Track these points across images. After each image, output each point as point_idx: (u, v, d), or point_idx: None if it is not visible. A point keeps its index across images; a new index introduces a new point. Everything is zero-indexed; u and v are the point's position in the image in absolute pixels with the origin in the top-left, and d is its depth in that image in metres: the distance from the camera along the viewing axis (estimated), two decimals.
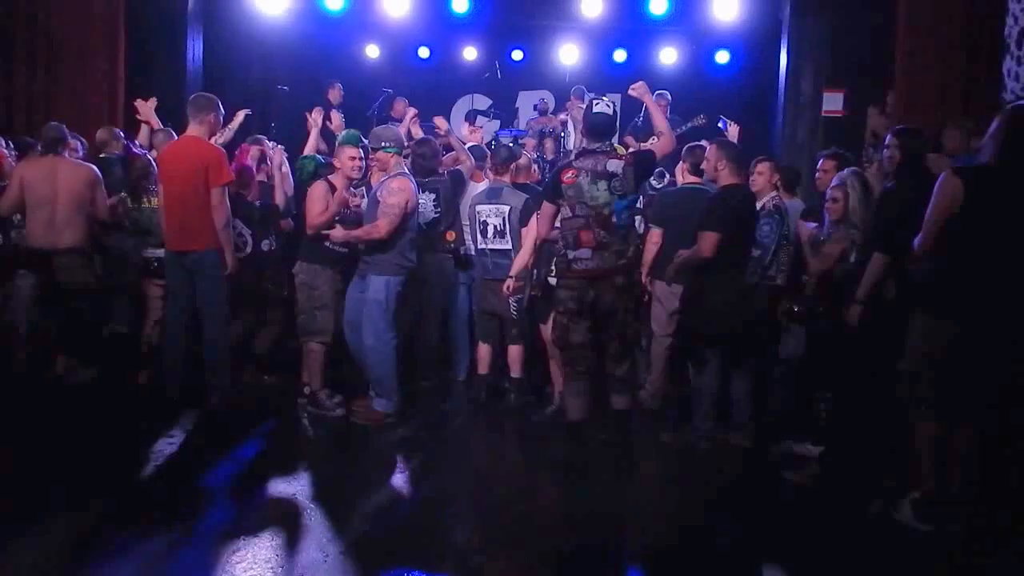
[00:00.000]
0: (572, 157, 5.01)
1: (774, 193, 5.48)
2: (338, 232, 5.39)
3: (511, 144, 6.82)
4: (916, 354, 3.93)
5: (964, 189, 3.70)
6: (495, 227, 5.78)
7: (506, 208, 5.74)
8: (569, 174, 4.66)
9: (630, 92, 5.21)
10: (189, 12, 8.65)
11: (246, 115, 6.73)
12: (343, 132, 5.87)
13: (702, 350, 5.09)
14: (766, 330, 5.45)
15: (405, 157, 5.78)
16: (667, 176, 6.34)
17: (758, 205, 5.32)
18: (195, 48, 8.79)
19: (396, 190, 5.29)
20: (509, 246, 5.73)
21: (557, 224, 4.81)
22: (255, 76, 10.13)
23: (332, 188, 5.48)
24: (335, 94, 9.31)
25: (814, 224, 5.16)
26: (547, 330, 5.43)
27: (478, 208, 5.85)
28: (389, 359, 5.39)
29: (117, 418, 5.36)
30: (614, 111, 4.89)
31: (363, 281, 5.43)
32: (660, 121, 5.07)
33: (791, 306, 5.13)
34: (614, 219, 4.60)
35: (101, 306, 6.15)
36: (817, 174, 5.74)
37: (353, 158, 5.51)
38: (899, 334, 4.09)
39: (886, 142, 4.68)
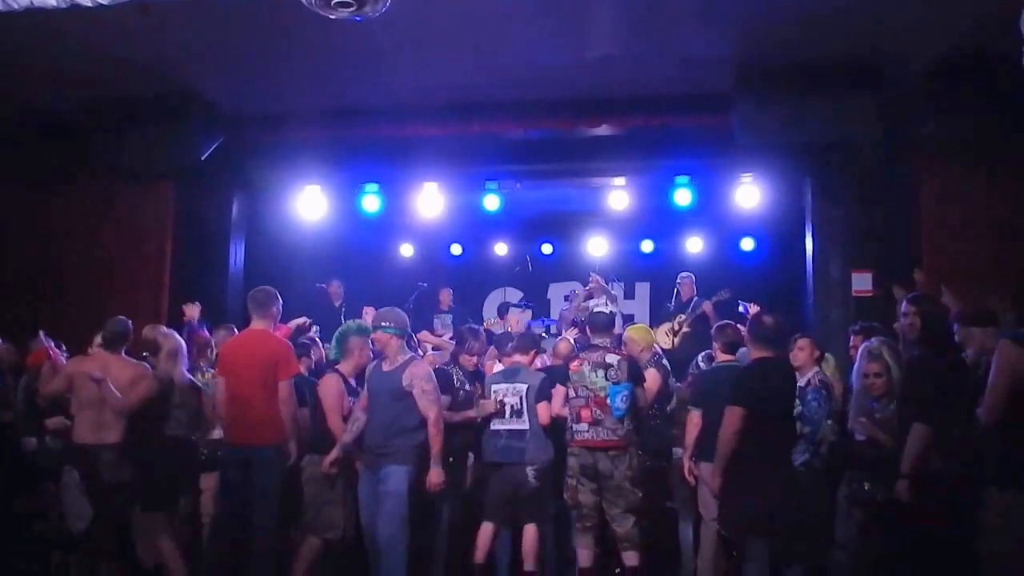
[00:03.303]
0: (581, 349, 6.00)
1: (816, 368, 5.44)
2: (436, 474, 5.27)
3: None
4: (996, 534, 3.70)
5: None
6: (512, 406, 5.76)
7: (523, 387, 5.77)
8: (575, 363, 5.70)
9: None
10: (233, 221, 9.09)
11: (306, 323, 6.79)
12: (347, 323, 5.98)
13: (745, 541, 4.82)
14: (818, 515, 5.22)
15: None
16: (714, 359, 6.34)
17: (802, 381, 5.25)
18: (237, 253, 9.16)
19: (428, 374, 5.30)
20: (526, 426, 5.70)
21: None
22: (294, 277, 10.43)
23: (344, 378, 5.47)
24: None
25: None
26: None
27: (494, 388, 5.86)
28: (404, 559, 5.08)
29: None
30: (612, 311, 6.16)
31: (375, 475, 5.25)
32: None
33: (860, 487, 4.87)
34: (608, 401, 5.48)
35: None
36: (851, 351, 5.75)
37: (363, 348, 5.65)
38: (964, 511, 3.90)
39: (903, 310, 4.65)
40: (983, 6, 5.57)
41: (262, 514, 5.24)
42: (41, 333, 6.09)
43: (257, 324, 5.52)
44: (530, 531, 5.69)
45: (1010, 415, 3.69)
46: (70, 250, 8.46)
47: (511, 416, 5.78)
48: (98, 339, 5.94)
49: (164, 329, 6.61)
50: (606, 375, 5.57)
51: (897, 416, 4.64)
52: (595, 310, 5.97)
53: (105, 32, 6.20)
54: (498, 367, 6.13)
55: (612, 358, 5.64)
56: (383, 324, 5.34)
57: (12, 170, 8.28)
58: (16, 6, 4.83)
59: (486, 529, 5.68)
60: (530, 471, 5.66)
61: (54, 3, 4.82)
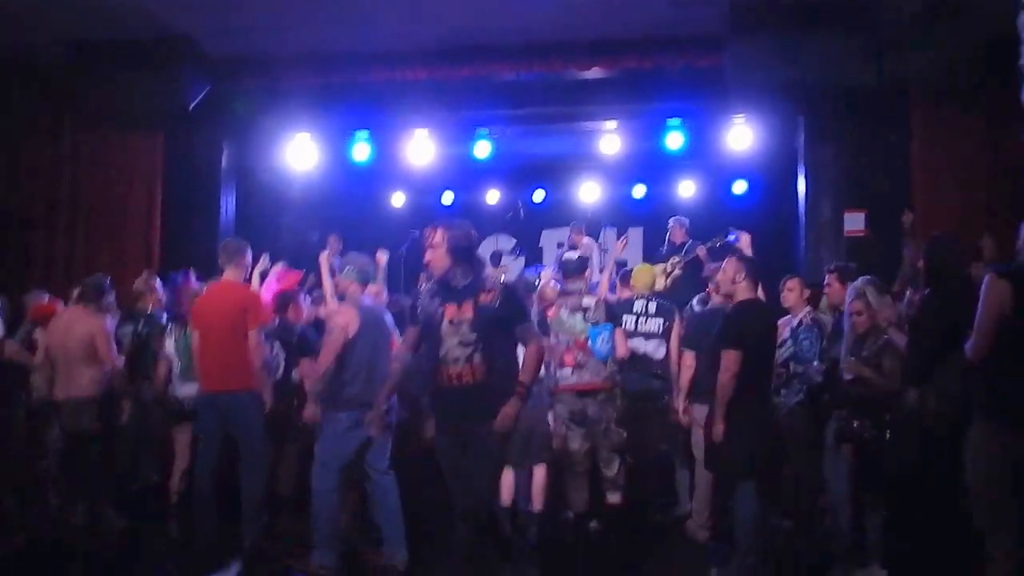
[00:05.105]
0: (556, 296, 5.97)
1: (808, 308, 5.47)
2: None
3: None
4: (982, 469, 3.72)
5: (1013, 290, 3.64)
6: None
7: None
8: (552, 310, 5.71)
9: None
10: (223, 170, 9.03)
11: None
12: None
13: (735, 477, 4.84)
14: (809, 451, 5.29)
15: None
16: (711, 300, 6.35)
17: (795, 321, 5.28)
18: (228, 203, 9.12)
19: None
20: (542, 372, 5.68)
21: None
22: (285, 226, 10.42)
23: None
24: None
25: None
26: None
27: None
28: (327, 506, 4.98)
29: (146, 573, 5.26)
30: (582, 257, 5.98)
31: None
32: None
33: (848, 424, 4.92)
34: (590, 343, 5.52)
35: (128, 455, 6.14)
36: (825, 288, 5.78)
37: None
38: (954, 448, 3.94)
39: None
40: None
41: (248, 460, 5.31)
42: None
43: (229, 275, 5.52)
44: (540, 472, 5.72)
45: (997, 350, 3.70)
46: (59, 198, 8.38)
47: None
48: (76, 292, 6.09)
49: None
50: (584, 317, 5.61)
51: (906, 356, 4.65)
52: (563, 257, 5.96)
53: None
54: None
55: (588, 301, 5.69)
56: (347, 269, 5.34)
57: None
58: None
59: (507, 474, 5.66)
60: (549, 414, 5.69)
61: None
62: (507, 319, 4.25)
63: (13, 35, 7.34)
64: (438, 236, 4.33)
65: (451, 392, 4.19)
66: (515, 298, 4.39)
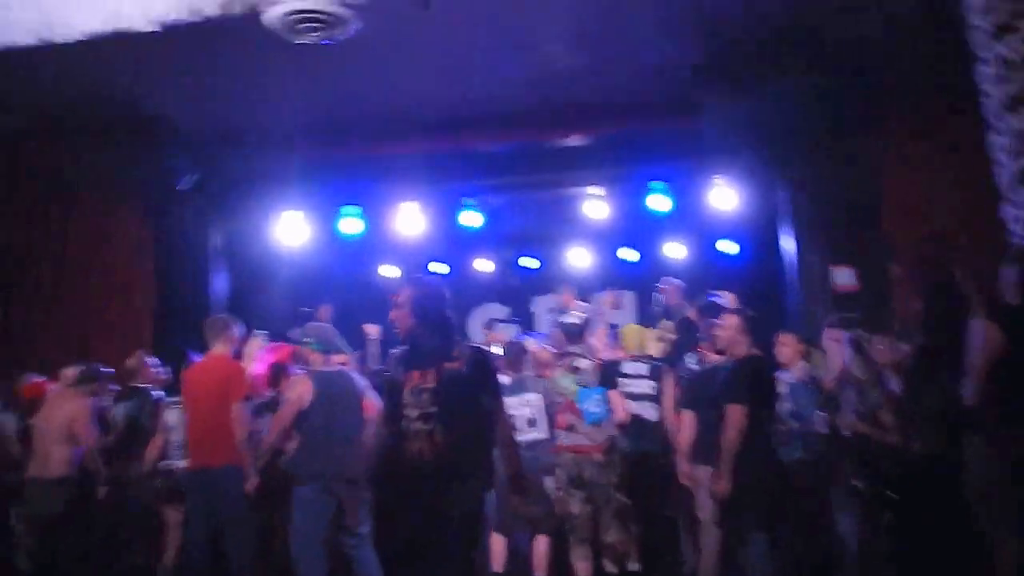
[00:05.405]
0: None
1: (802, 363, 5.46)
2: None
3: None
4: (983, 471, 3.74)
5: (1003, 332, 3.67)
6: (527, 419, 5.70)
7: (533, 396, 5.72)
8: (548, 371, 5.85)
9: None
10: (213, 247, 9.08)
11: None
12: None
13: (747, 528, 4.77)
14: (817, 505, 5.23)
15: None
16: (705, 359, 6.32)
17: (792, 377, 5.27)
18: (219, 280, 9.15)
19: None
20: (545, 435, 5.61)
21: None
22: (277, 303, 10.40)
23: None
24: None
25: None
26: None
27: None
28: None
29: None
30: (583, 319, 6.11)
31: None
32: None
33: (851, 486, 4.87)
34: (579, 405, 5.58)
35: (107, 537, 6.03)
36: (825, 343, 5.77)
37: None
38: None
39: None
40: None
41: (234, 538, 5.24)
42: None
43: (216, 349, 5.57)
44: (543, 541, 5.64)
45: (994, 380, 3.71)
46: (48, 279, 8.25)
47: (527, 427, 5.73)
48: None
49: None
50: (575, 379, 5.65)
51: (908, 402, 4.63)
52: (565, 320, 5.97)
53: (81, 65, 6.23)
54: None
55: (582, 363, 5.72)
56: (305, 339, 5.43)
57: None
58: None
59: (498, 542, 5.61)
60: (548, 479, 5.66)
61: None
62: (475, 389, 3.85)
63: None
64: (403, 294, 4.03)
65: (410, 470, 3.77)
66: (485, 365, 4.01)
